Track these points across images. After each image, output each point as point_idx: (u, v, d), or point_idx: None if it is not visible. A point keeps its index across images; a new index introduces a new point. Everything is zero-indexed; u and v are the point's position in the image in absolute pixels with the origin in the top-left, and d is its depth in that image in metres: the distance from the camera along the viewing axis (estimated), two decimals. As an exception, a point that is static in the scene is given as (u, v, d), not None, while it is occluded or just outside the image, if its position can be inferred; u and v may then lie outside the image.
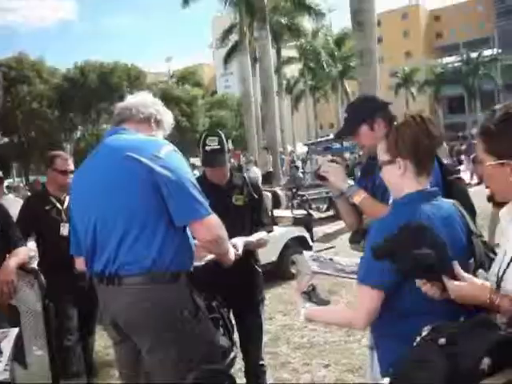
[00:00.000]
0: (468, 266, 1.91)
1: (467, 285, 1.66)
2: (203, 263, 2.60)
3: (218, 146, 3.08)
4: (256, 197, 3.29)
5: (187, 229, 2.27)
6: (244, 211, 3.21)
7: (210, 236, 2.22)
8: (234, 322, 3.22)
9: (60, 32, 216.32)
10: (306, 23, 32.17)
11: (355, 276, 2.02)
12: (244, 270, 3.00)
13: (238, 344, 3.16)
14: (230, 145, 3.20)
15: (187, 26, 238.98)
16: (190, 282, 2.28)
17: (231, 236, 2.53)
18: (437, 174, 2.31)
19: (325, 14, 27.62)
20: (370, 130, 2.67)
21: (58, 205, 4.08)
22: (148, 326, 2.18)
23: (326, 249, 8.69)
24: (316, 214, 13.29)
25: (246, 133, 25.81)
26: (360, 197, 2.54)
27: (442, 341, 1.35)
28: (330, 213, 13.71)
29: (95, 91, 40.07)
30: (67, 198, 4.08)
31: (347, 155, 19.59)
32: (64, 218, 4.02)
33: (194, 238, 2.31)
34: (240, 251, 2.78)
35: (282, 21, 29.79)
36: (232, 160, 3.50)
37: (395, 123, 1.98)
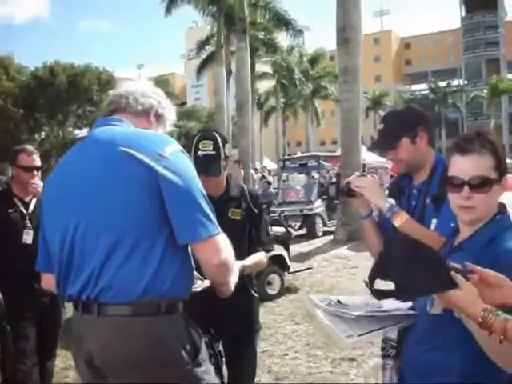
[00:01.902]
0: None
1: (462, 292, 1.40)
2: (199, 290, 2.17)
3: (213, 152, 2.66)
4: (255, 211, 2.88)
5: (189, 248, 1.84)
6: (241, 227, 2.79)
7: (218, 260, 1.77)
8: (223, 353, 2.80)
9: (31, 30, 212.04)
10: (282, 39, 32.15)
11: None
12: (240, 295, 2.56)
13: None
14: (227, 150, 2.79)
15: (160, 35, 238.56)
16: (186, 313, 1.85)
17: None
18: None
19: (302, 31, 27.59)
20: (412, 143, 2.33)
21: (22, 208, 3.58)
22: (134, 368, 1.71)
23: (303, 269, 8.30)
24: (289, 232, 12.91)
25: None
26: (402, 219, 2.17)
27: None
28: (303, 231, 13.37)
29: (64, 92, 38.90)
30: (33, 201, 3.60)
31: (316, 174, 19.04)
32: (28, 223, 3.53)
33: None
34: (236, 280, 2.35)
35: (259, 35, 29.61)
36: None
37: (489, 136, 1.67)
